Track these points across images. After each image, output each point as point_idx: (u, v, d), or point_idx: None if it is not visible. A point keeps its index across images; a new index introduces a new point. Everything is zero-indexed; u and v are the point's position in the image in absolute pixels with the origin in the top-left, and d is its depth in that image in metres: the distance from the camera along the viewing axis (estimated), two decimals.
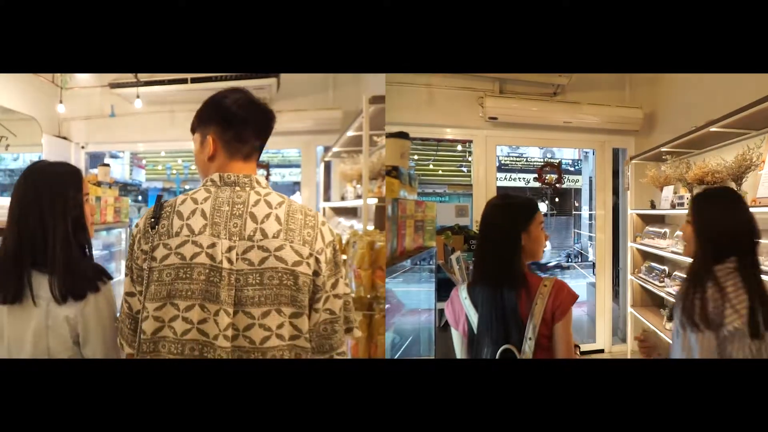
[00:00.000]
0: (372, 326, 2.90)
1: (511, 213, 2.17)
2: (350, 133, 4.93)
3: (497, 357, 1.96)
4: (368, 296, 2.89)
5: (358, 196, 4.91)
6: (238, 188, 1.61)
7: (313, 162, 7.43)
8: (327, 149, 6.91)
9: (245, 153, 1.69)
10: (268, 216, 1.56)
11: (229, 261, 1.51)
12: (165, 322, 1.53)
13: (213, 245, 1.52)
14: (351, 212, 6.37)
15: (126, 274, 1.64)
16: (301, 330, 1.57)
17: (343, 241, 3.41)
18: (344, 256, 3.34)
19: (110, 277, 1.90)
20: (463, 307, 2.15)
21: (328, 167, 7.41)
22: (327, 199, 7.33)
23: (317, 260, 1.58)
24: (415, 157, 12.59)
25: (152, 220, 1.58)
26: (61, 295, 1.72)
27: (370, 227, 3.72)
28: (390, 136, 2.61)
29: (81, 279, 1.78)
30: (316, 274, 1.58)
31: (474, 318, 2.10)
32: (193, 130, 1.77)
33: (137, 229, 1.62)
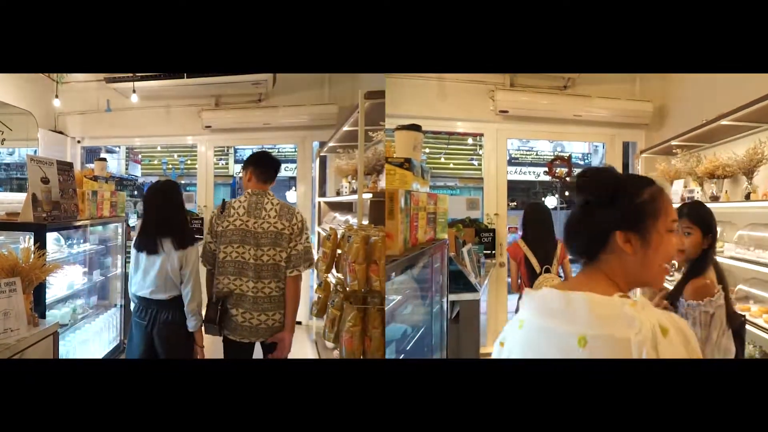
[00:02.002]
0: (366, 320, 2.93)
1: (548, 209, 4.87)
2: (346, 128, 4.95)
3: (544, 271, 4.43)
4: (362, 290, 2.92)
5: (354, 191, 4.93)
6: (259, 196, 3.28)
7: (308, 157, 7.45)
8: (322, 144, 6.93)
9: (264, 180, 3.34)
10: (270, 208, 3.25)
11: (254, 227, 3.20)
12: (228, 254, 3.21)
13: (248, 221, 3.21)
14: (346, 207, 6.40)
15: (209, 233, 3.31)
16: (282, 257, 3.22)
17: (338, 236, 3.44)
18: (339, 251, 3.37)
19: (197, 240, 3.42)
20: (523, 250, 4.57)
21: (323, 162, 7.42)
22: (322, 194, 7.34)
23: (292, 229, 3.24)
24: (427, 150, 12.61)
25: (221, 210, 3.27)
26: (178, 247, 3.26)
27: (365, 222, 3.75)
28: (402, 128, 2.63)
29: (186, 240, 3.32)
30: (291, 234, 3.23)
31: (530, 255, 4.53)
32: (243, 168, 3.43)
33: (213, 213, 3.33)
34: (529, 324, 1.42)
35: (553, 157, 7.95)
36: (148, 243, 3.25)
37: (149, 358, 3.25)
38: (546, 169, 7.82)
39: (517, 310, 1.57)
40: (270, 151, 13.58)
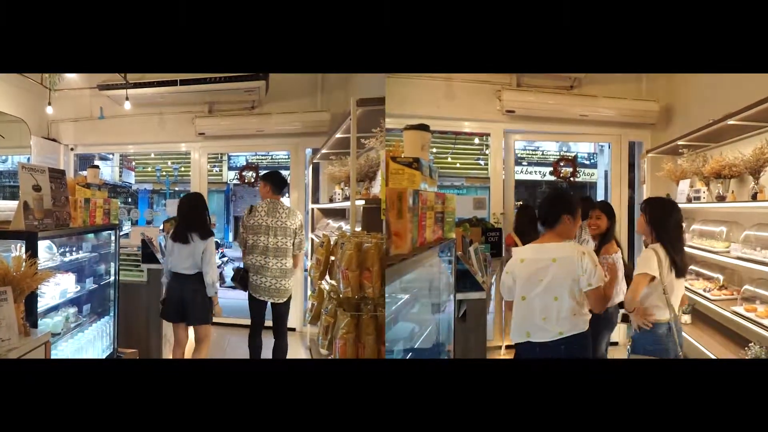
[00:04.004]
0: (360, 327, 2.92)
1: (534, 210, 5.48)
2: (338, 135, 4.96)
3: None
4: (356, 297, 2.92)
5: (346, 198, 4.95)
6: (275, 203, 4.91)
7: (301, 164, 7.46)
8: (315, 151, 6.93)
9: (278, 192, 4.96)
10: (282, 212, 4.91)
11: (273, 224, 4.86)
12: (254, 241, 4.87)
13: (268, 220, 4.85)
14: (339, 214, 6.40)
15: (242, 226, 5.03)
16: (292, 245, 4.92)
17: (331, 243, 3.44)
18: (332, 257, 3.38)
19: (213, 234, 4.69)
20: (514, 238, 5.44)
21: (316, 169, 7.43)
22: (315, 200, 7.34)
23: (295, 224, 4.94)
24: (434, 150, 12.62)
25: (249, 211, 4.96)
26: (201, 238, 4.51)
27: (358, 228, 3.76)
28: (411, 128, 2.64)
29: (206, 234, 4.56)
30: (296, 228, 4.94)
31: (518, 243, 5.09)
32: (263, 180, 5.02)
33: (245, 214, 5.00)
34: (528, 260, 3.17)
35: (558, 158, 8.01)
36: (181, 236, 4.53)
37: (180, 312, 4.59)
38: (551, 169, 7.91)
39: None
40: (263, 157, 13.66)
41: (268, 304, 4.93)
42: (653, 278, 3.18)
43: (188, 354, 4.90)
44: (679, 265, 3.23)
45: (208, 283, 4.57)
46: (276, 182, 4.95)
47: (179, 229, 4.60)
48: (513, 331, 3.25)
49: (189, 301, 4.56)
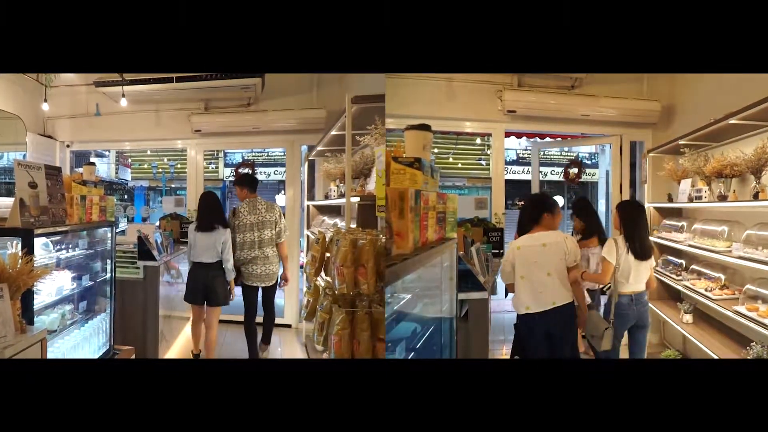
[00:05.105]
0: (354, 323, 2.93)
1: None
2: (333, 132, 4.96)
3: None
4: (351, 293, 2.92)
5: (342, 195, 4.95)
6: (254, 201, 5.57)
7: (297, 161, 7.45)
8: (311, 148, 6.94)
9: (253, 191, 5.62)
10: (261, 207, 5.56)
11: (254, 220, 5.49)
12: (242, 237, 5.48)
13: (250, 218, 5.48)
14: (335, 210, 6.41)
15: (231, 227, 5.41)
16: (273, 234, 5.58)
17: (327, 239, 3.45)
18: (328, 254, 3.38)
19: (229, 226, 5.39)
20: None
21: (312, 166, 7.43)
22: (311, 197, 7.35)
23: (275, 217, 5.59)
24: (435, 150, 12.61)
25: (233, 214, 5.54)
26: (224, 227, 5.36)
27: (353, 225, 3.76)
28: (412, 128, 2.64)
29: (227, 223, 5.34)
30: (276, 220, 5.59)
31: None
32: (239, 186, 5.68)
33: (230, 216, 5.53)
34: (522, 246, 3.99)
35: (568, 162, 8.12)
36: (206, 225, 5.22)
37: (203, 296, 5.29)
38: (553, 169, 7.99)
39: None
40: (259, 154, 13.65)
41: (259, 290, 5.60)
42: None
43: (201, 333, 5.49)
44: (638, 250, 4.13)
45: (228, 269, 5.28)
46: (250, 183, 5.65)
47: (204, 221, 5.27)
48: (515, 305, 4.05)
49: (211, 286, 5.25)
